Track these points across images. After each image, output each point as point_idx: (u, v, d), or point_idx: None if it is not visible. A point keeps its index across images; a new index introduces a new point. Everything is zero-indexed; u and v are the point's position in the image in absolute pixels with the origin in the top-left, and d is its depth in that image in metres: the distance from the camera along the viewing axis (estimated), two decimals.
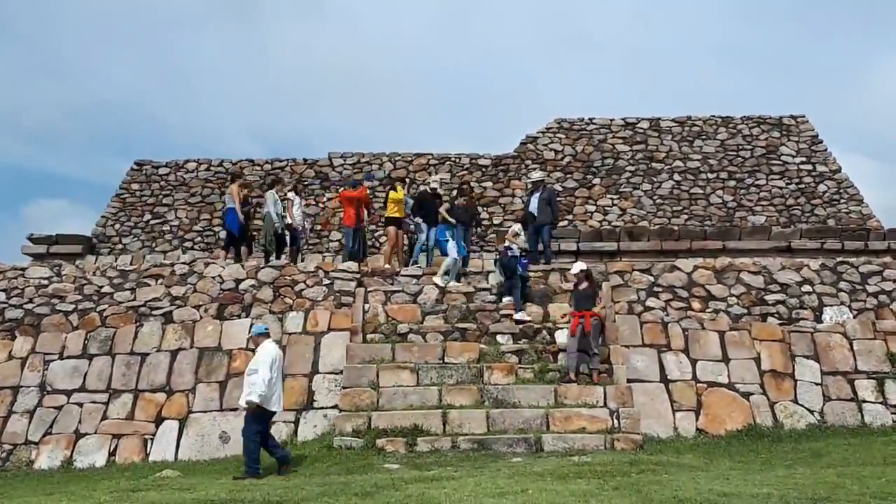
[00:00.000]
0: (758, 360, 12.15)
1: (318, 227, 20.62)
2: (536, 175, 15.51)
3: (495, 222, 20.31)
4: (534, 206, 14.32)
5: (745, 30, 79.40)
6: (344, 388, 11.45)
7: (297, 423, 11.55)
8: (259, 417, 9.45)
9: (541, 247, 14.78)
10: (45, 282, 13.56)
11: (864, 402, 11.83)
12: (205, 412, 11.84)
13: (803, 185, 20.92)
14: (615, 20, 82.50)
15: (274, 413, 9.70)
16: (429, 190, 15.41)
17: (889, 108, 71.64)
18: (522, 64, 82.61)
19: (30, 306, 13.22)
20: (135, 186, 21.50)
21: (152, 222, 21.00)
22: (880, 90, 75.11)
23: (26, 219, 72.92)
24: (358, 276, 13.49)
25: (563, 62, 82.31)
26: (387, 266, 14.43)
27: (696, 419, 11.48)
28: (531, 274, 13.60)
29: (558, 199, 19.23)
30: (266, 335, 10.02)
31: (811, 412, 11.69)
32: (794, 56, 78.38)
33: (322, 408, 11.66)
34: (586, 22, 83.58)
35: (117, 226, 20.95)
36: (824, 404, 11.80)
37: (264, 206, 15.02)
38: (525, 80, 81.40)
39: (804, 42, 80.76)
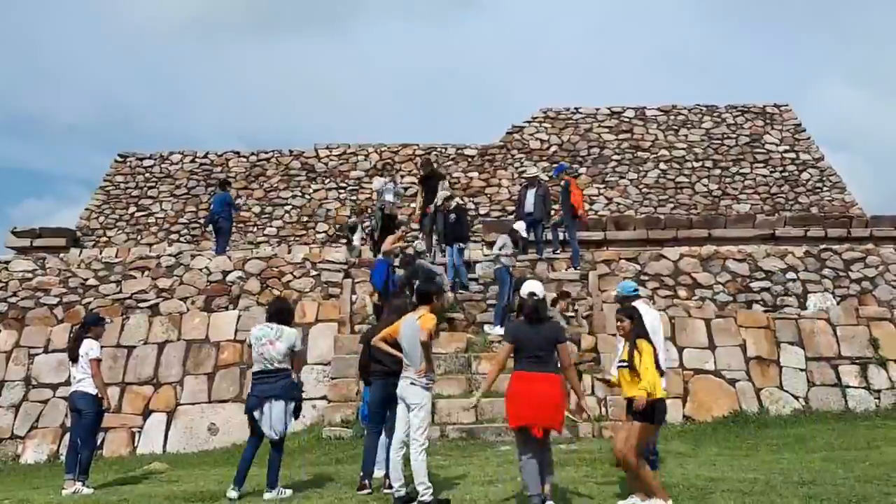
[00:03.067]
0: (743, 346, 12.25)
1: (305, 219, 20.54)
2: (532, 171, 15.63)
3: (482, 212, 20.30)
4: (530, 202, 14.27)
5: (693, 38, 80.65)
6: (332, 378, 11.46)
7: None
8: None
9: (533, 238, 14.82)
10: (29, 275, 13.44)
11: (848, 387, 11.96)
12: (193, 404, 11.82)
13: (787, 174, 21.04)
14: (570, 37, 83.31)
15: None
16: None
17: (834, 107, 73.09)
18: (492, 74, 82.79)
19: (14, 300, 13.11)
20: (119, 179, 21.33)
21: (137, 215, 20.85)
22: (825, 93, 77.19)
23: (13, 219, 72.74)
24: (345, 266, 13.47)
25: (528, 74, 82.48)
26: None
27: (683, 406, 11.57)
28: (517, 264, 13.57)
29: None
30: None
31: (796, 398, 11.82)
32: (746, 68, 79.61)
33: (310, 398, 11.61)
34: (545, 36, 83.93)
35: (101, 218, 20.79)
36: (809, 390, 11.93)
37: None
38: (497, 90, 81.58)
39: (752, 57, 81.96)
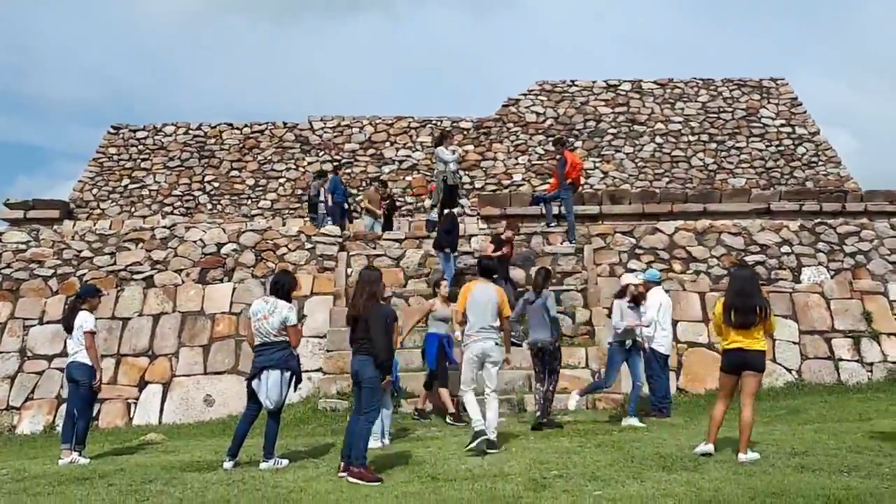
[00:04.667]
0: None
1: (299, 192, 20.44)
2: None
3: (477, 186, 20.23)
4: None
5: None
6: (328, 351, 11.49)
7: None
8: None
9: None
10: (23, 247, 13.38)
11: (841, 360, 12.04)
12: (188, 376, 11.84)
13: (783, 148, 20.99)
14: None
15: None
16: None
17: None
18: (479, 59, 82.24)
19: (8, 271, 13.06)
20: (112, 151, 21.16)
21: (131, 186, 20.73)
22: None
23: (6, 195, 72.16)
24: (340, 240, 13.45)
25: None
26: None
27: (677, 378, 11.64)
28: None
29: (540, 161, 19.48)
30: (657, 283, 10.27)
31: (789, 371, 11.90)
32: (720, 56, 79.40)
33: (306, 371, 11.60)
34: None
35: (95, 190, 20.66)
36: (802, 363, 12.00)
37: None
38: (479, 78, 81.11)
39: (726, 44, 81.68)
